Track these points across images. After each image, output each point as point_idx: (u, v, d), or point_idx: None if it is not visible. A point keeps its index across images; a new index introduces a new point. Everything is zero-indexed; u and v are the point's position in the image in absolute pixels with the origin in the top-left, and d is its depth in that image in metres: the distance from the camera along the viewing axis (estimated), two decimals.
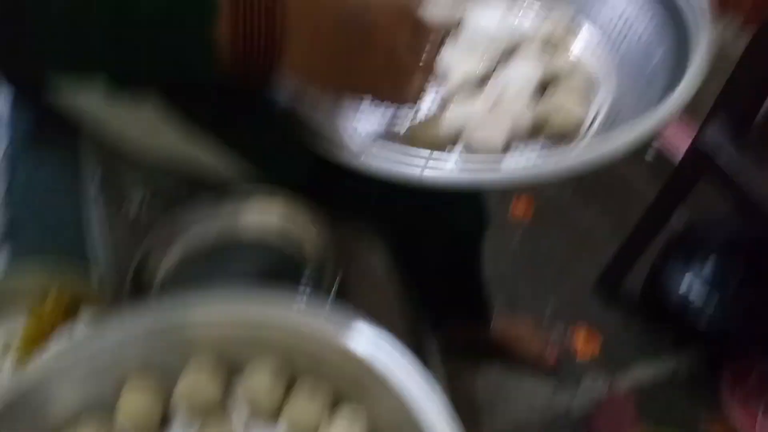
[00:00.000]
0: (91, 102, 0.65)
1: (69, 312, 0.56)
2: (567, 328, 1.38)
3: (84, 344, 0.44)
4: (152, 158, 0.68)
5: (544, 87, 0.57)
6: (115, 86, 0.58)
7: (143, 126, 0.64)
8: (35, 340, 0.55)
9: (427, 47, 0.49)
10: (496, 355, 1.29)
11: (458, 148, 0.54)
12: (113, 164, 0.69)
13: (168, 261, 0.58)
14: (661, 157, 1.77)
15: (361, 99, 0.50)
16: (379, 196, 0.64)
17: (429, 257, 0.72)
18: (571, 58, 0.56)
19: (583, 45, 0.61)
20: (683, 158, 1.14)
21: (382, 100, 0.49)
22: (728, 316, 1.16)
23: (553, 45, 0.58)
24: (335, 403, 0.43)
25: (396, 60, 0.46)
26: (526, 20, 0.62)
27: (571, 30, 0.60)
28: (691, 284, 1.19)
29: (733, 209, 1.07)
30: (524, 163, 0.49)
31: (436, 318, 0.83)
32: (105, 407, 0.44)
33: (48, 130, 0.75)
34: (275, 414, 0.43)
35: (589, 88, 0.56)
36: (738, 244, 1.17)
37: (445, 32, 0.61)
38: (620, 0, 0.59)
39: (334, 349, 0.41)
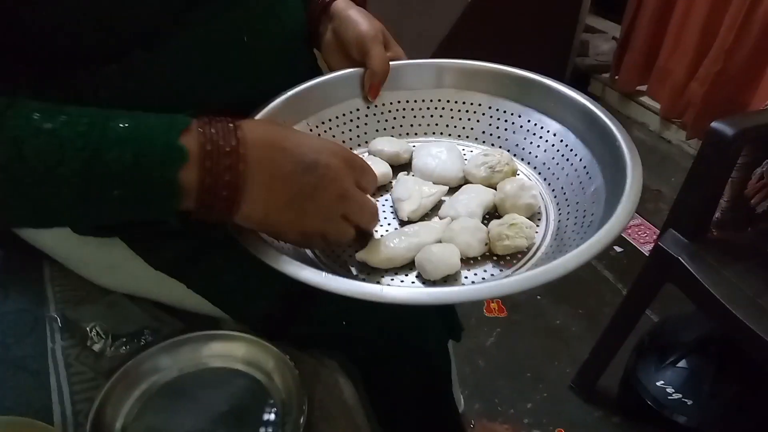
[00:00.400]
0: (55, 240, 0.66)
1: None
2: (546, 431, 1.36)
3: None
4: (119, 291, 0.69)
5: (494, 211, 0.60)
6: (80, 231, 0.60)
7: (110, 265, 0.65)
8: None
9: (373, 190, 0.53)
10: None
11: (413, 271, 0.55)
12: (77, 299, 0.69)
13: (130, 402, 0.58)
14: (630, 250, 1.82)
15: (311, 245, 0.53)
16: (343, 325, 0.65)
17: (398, 383, 0.72)
18: (518, 184, 0.60)
19: (523, 176, 0.65)
20: (648, 261, 1.17)
21: (332, 241, 0.50)
22: (706, 411, 1.15)
23: (498, 173, 0.62)
24: None
25: (348, 198, 0.49)
26: (470, 157, 0.67)
27: (513, 162, 0.64)
28: (667, 382, 1.19)
29: (700, 309, 1.09)
30: (479, 281, 0.52)
31: None
32: None
33: (13, 264, 0.76)
34: None
35: (535, 210, 0.60)
36: (709, 341, 1.19)
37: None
38: (549, 144, 0.64)
39: None
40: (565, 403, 1.41)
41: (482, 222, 0.58)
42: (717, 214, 1.19)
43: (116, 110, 0.43)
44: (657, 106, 2.29)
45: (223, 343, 0.62)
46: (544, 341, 1.56)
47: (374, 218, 0.54)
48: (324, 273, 0.46)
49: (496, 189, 0.61)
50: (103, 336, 0.63)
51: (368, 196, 0.52)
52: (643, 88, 2.36)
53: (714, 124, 0.99)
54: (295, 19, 0.66)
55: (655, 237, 1.78)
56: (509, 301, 1.68)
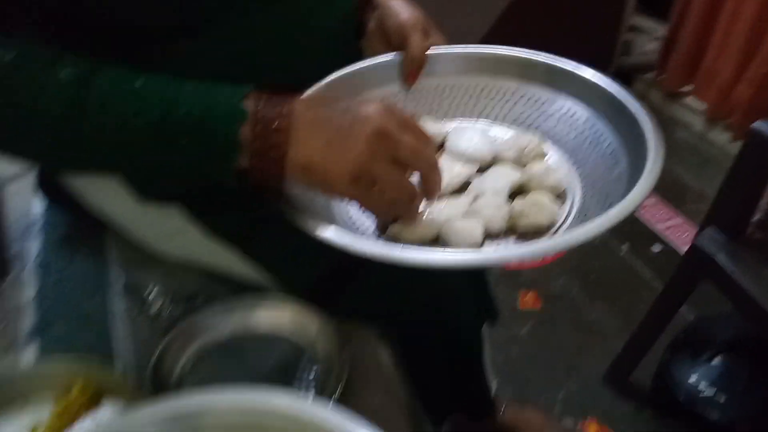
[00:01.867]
0: (118, 206, 0.72)
1: (92, 402, 0.60)
2: (577, 421, 1.37)
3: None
4: (174, 259, 0.74)
5: (520, 191, 0.63)
6: (142, 197, 0.65)
7: (167, 230, 0.71)
8: (60, 428, 0.58)
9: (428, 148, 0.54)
10: None
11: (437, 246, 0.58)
12: (137, 264, 0.75)
13: (185, 357, 0.63)
14: (668, 250, 1.81)
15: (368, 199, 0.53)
16: (384, 299, 0.69)
17: (433, 356, 0.76)
18: (545, 166, 0.62)
19: (552, 159, 0.67)
20: (684, 258, 1.17)
21: (389, 192, 0.51)
22: (739, 409, 1.15)
23: (527, 155, 0.65)
24: None
25: (390, 137, 0.49)
26: (503, 138, 0.69)
27: (543, 145, 0.67)
28: (701, 378, 1.19)
29: (735, 308, 1.09)
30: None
31: (439, 415, 0.85)
32: None
33: (78, 232, 0.82)
34: None
35: (560, 191, 0.62)
36: (744, 341, 1.19)
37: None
38: (579, 129, 0.67)
39: None
40: (596, 395, 1.42)
41: (508, 200, 0.61)
42: (757, 216, 1.18)
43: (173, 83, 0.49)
44: (702, 107, 2.25)
45: (271, 309, 0.67)
46: (578, 335, 1.57)
47: (430, 167, 0.53)
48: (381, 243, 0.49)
49: (526, 167, 0.64)
50: (161, 298, 0.69)
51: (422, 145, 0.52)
52: (688, 88, 2.33)
53: (755, 125, 0.99)
54: (346, 8, 0.70)
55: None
56: (544, 295, 1.69)
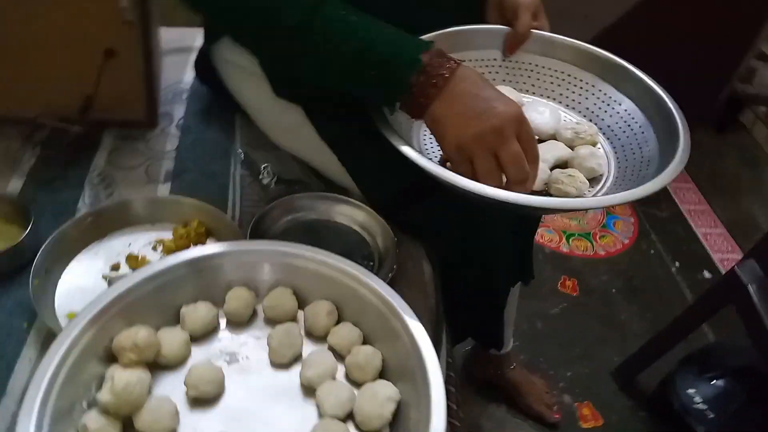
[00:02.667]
0: (255, 96, 0.90)
1: (203, 236, 0.80)
2: (575, 401, 1.50)
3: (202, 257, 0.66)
4: (287, 149, 0.92)
5: (565, 166, 0.75)
6: (278, 93, 0.82)
7: (288, 127, 0.88)
8: (177, 248, 0.78)
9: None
10: (506, 395, 1.43)
11: None
12: (257, 146, 0.93)
13: (278, 224, 0.81)
14: (718, 278, 1.86)
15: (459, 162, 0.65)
16: (438, 224, 0.84)
17: (463, 285, 0.91)
18: (590, 151, 0.74)
19: (601, 149, 0.79)
20: (720, 280, 1.26)
21: (478, 170, 0.62)
22: (725, 428, 1.25)
23: (580, 139, 0.76)
24: (363, 341, 0.63)
25: (503, 137, 0.60)
26: (568, 121, 0.82)
27: (596, 136, 0.78)
28: (699, 392, 1.29)
29: (750, 338, 1.17)
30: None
31: (456, 335, 1.01)
32: (214, 301, 0.65)
33: (216, 108, 1.01)
34: (324, 335, 0.64)
35: (596, 175, 0.74)
36: (749, 371, 1.27)
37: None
38: (635, 130, 0.78)
39: (379, 306, 0.62)
40: (601, 384, 1.54)
41: (550, 169, 0.73)
42: None
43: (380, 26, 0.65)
44: None
45: (349, 207, 0.83)
46: (603, 328, 1.68)
47: (522, 174, 0.61)
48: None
49: (576, 147, 0.76)
50: (270, 175, 0.86)
51: (524, 157, 0.61)
52: None
53: None
54: None
55: None
56: (585, 285, 1.79)
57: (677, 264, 1.90)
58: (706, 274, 1.87)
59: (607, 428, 1.46)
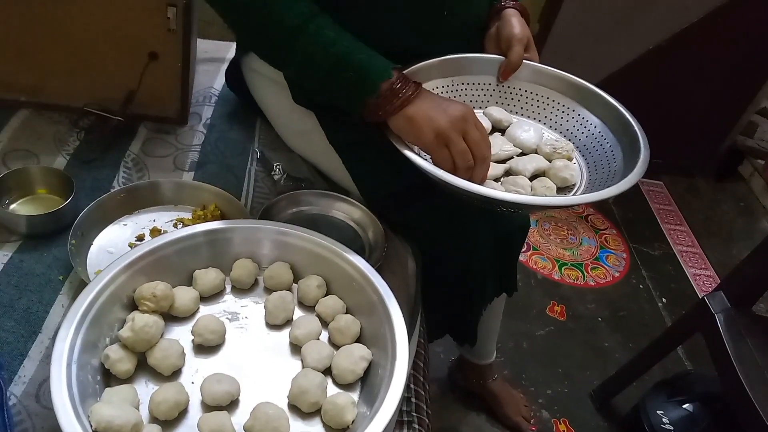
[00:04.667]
0: (275, 103, 1.02)
1: (219, 218, 0.91)
2: (552, 418, 1.58)
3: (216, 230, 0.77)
4: (298, 152, 1.04)
5: (542, 175, 0.86)
6: (297, 101, 0.94)
7: (301, 131, 1.00)
8: None
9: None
10: (486, 405, 1.52)
11: None
12: (272, 147, 1.05)
13: (283, 214, 0.92)
14: None
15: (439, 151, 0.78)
16: (427, 226, 0.95)
17: (442, 286, 1.02)
18: (564, 163, 0.85)
19: (575, 163, 0.90)
20: (691, 308, 1.34)
21: (454, 152, 0.76)
22: None
23: (557, 154, 0.88)
24: (346, 311, 0.74)
25: (468, 123, 0.76)
26: (549, 138, 0.93)
27: (572, 152, 0.89)
28: (667, 414, 1.37)
29: (714, 365, 1.25)
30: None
31: (432, 331, 1.10)
32: (222, 268, 0.76)
33: (239, 112, 1.14)
34: (313, 305, 0.74)
35: (568, 184, 0.85)
36: (715, 398, 1.34)
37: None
38: (606, 148, 0.89)
39: (361, 282, 0.72)
40: (579, 403, 1.61)
41: (529, 179, 0.85)
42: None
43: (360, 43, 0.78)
44: None
45: (348, 205, 0.94)
46: (586, 353, 1.76)
47: (481, 152, 0.76)
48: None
49: (553, 160, 0.87)
50: (281, 173, 0.98)
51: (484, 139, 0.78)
52: None
53: None
54: (481, 13, 0.95)
55: None
56: (573, 311, 1.88)
57: (664, 300, 1.98)
58: None
59: None
